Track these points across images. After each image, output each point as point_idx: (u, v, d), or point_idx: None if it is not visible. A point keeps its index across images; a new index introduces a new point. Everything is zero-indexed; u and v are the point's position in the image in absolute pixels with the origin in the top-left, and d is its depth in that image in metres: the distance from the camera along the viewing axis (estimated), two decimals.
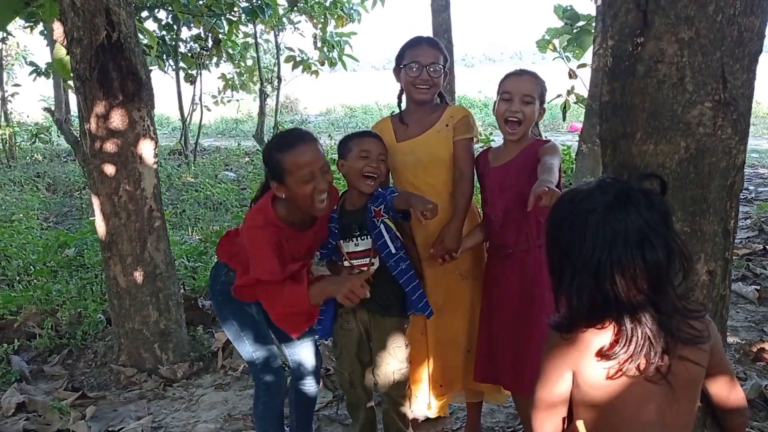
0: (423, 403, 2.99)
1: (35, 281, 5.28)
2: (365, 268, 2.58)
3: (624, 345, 1.32)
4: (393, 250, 2.58)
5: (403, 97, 2.89)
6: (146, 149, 3.77)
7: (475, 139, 2.79)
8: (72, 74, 3.75)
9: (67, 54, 3.76)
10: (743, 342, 3.86)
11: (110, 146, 3.66)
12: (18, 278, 5.43)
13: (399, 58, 2.80)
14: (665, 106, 1.53)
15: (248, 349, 2.58)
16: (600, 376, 1.37)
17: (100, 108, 3.60)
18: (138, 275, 3.86)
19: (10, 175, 10.30)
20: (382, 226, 2.58)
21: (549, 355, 1.45)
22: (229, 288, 2.49)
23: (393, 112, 2.98)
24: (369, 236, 2.59)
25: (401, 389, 2.78)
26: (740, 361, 3.70)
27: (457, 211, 2.72)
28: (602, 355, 1.35)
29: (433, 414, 3.03)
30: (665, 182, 1.41)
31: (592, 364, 1.37)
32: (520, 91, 2.53)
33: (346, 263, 2.63)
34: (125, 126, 3.67)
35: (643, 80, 1.55)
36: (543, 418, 1.49)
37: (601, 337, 1.36)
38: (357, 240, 2.61)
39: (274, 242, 2.35)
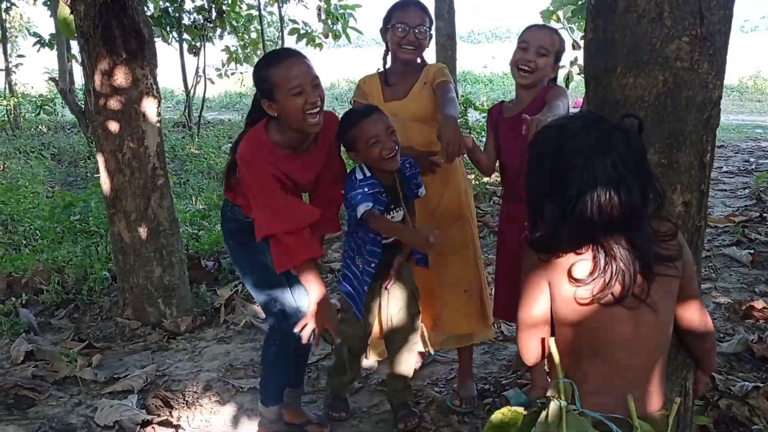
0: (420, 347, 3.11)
1: (42, 245, 5.38)
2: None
3: (598, 275, 1.39)
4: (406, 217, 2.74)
5: (388, 58, 2.97)
6: (149, 107, 3.84)
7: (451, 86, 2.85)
8: (76, 32, 3.81)
9: (71, 13, 3.82)
10: (732, 302, 3.94)
11: (114, 103, 3.73)
12: (25, 242, 5.54)
13: (387, 19, 2.88)
14: (644, 41, 1.59)
15: (263, 295, 2.62)
16: (575, 298, 1.43)
17: (103, 65, 3.67)
18: (142, 231, 3.95)
19: (15, 144, 10.38)
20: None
21: (527, 276, 1.52)
22: (236, 227, 2.55)
23: (378, 69, 3.06)
24: (401, 209, 2.70)
25: (410, 340, 2.91)
26: (729, 319, 3.79)
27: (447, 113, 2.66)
28: (577, 280, 1.41)
29: (429, 349, 3.18)
30: (642, 121, 1.48)
31: (568, 285, 1.43)
32: (537, 42, 2.60)
33: None
34: (128, 83, 3.73)
35: (624, 16, 1.61)
36: (526, 338, 1.55)
37: (577, 260, 1.42)
38: (393, 213, 2.70)
39: (274, 178, 2.36)
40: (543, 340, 1.56)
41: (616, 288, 1.39)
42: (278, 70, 2.30)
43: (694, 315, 1.57)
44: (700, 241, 1.77)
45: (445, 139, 2.49)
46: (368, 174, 2.60)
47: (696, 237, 1.74)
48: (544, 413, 1.44)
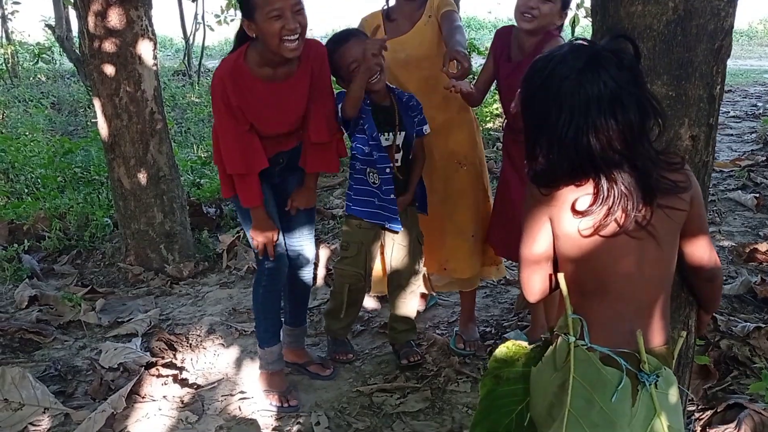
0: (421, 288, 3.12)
1: (43, 193, 5.36)
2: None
3: (601, 203, 1.35)
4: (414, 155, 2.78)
5: None
6: (145, 50, 3.76)
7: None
8: None
9: None
10: (736, 245, 3.92)
11: (109, 46, 3.66)
12: (26, 191, 5.52)
13: None
14: None
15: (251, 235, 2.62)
16: (578, 231, 1.40)
17: (96, 6, 3.58)
18: (142, 177, 3.92)
19: (14, 92, 10.26)
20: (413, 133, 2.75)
21: (528, 212, 1.48)
22: None
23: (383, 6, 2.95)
24: (395, 134, 2.69)
25: (412, 282, 2.92)
26: (733, 261, 3.78)
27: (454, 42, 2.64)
28: (579, 212, 1.38)
29: (431, 292, 3.22)
30: (636, 44, 1.41)
31: (570, 219, 1.40)
32: None
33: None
34: (123, 25, 3.65)
35: None
36: (528, 274, 1.52)
37: (578, 193, 1.39)
38: (387, 135, 2.69)
39: (230, 113, 2.38)
40: (548, 277, 1.54)
41: (619, 214, 1.35)
42: None
43: (702, 252, 1.53)
44: (707, 176, 1.73)
45: (454, 54, 2.49)
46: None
47: (703, 172, 1.69)
48: (551, 348, 1.42)
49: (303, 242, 2.80)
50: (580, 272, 1.42)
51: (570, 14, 8.20)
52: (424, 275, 3.03)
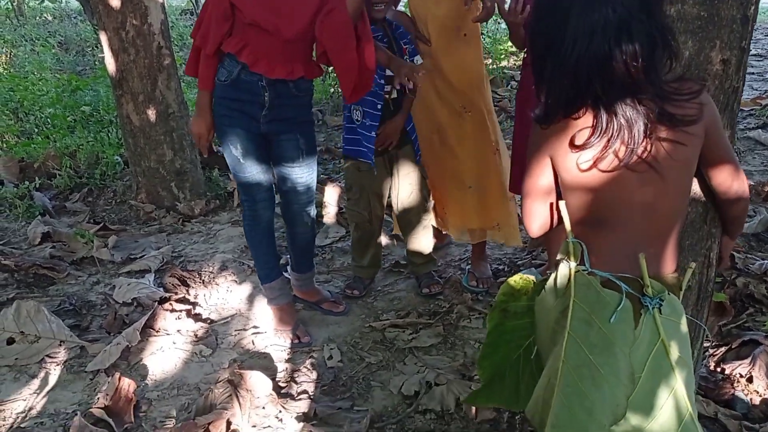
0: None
1: (53, 132, 5.31)
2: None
3: (599, 135, 1.30)
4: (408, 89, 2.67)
5: None
6: None
7: None
8: None
9: None
10: (755, 184, 3.84)
11: None
12: (36, 130, 5.47)
13: None
14: None
15: (232, 170, 2.58)
16: (577, 166, 1.36)
17: None
18: (151, 113, 3.87)
19: (20, 32, 10.12)
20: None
21: (531, 147, 1.46)
22: (217, 94, 2.46)
23: None
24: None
25: (423, 217, 2.91)
26: (752, 200, 3.71)
27: None
28: (578, 146, 1.33)
29: (452, 235, 3.16)
30: None
31: (570, 154, 1.36)
32: None
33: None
34: None
35: None
36: (530, 205, 1.51)
37: (577, 127, 1.34)
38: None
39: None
40: (550, 212, 1.51)
41: (619, 147, 1.30)
42: None
43: (724, 180, 1.48)
44: (737, 103, 1.66)
45: None
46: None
47: (732, 99, 1.62)
48: (552, 276, 1.40)
49: (302, 178, 2.64)
50: (583, 206, 1.40)
51: None
52: (433, 208, 3.02)
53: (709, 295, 1.81)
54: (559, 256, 1.39)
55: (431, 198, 2.93)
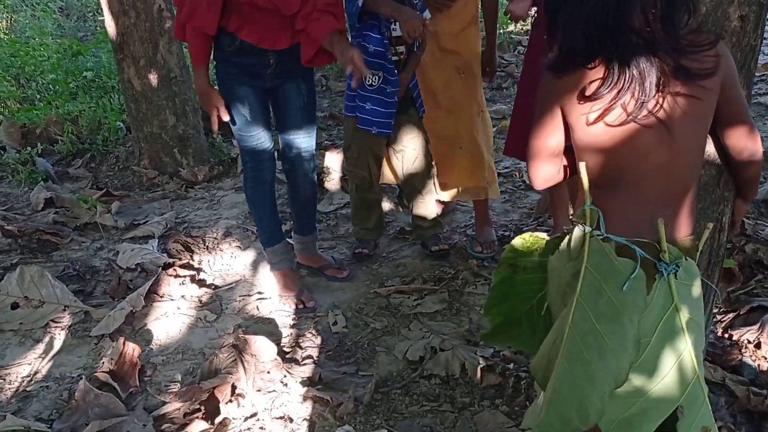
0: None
1: (54, 98, 5.26)
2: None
3: (609, 86, 1.27)
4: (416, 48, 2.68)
5: None
6: None
7: None
8: None
9: None
10: (765, 149, 3.78)
11: None
12: (39, 96, 5.42)
13: None
14: None
15: (237, 132, 2.54)
16: (586, 120, 1.33)
17: None
18: (152, 78, 3.81)
19: None
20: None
21: (540, 101, 1.42)
22: (220, 57, 2.43)
23: None
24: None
25: (427, 182, 2.87)
26: (762, 167, 3.65)
27: None
28: (587, 97, 1.30)
29: (443, 198, 3.09)
30: None
31: (579, 107, 1.33)
32: None
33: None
34: None
35: None
36: (537, 165, 1.48)
37: (589, 77, 1.31)
38: (395, 25, 2.61)
39: None
40: (556, 166, 1.49)
41: (628, 100, 1.27)
42: None
43: (739, 139, 1.44)
44: (754, 62, 1.60)
45: None
46: None
47: (750, 57, 1.57)
48: (567, 238, 1.37)
49: (303, 142, 2.65)
50: (594, 163, 1.37)
51: None
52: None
53: (720, 260, 1.78)
54: (574, 219, 1.36)
55: (433, 163, 2.90)
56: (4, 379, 2.34)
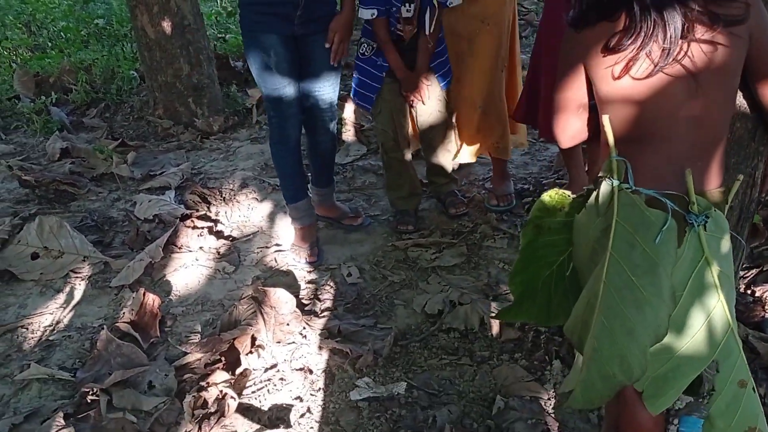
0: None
1: (66, 45, 5.20)
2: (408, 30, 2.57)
3: (632, 35, 1.22)
4: (428, 31, 2.56)
5: None
6: None
7: None
8: None
9: None
10: None
11: None
12: (50, 44, 5.36)
13: None
14: None
15: (260, 83, 2.49)
16: (611, 73, 1.29)
17: None
18: (166, 26, 3.74)
19: None
20: (435, 2, 2.53)
21: (563, 56, 1.39)
22: (250, 11, 2.36)
23: None
24: (415, 4, 2.51)
25: (445, 138, 2.83)
26: None
27: None
28: (611, 49, 1.26)
29: (463, 160, 3.02)
30: None
31: (603, 60, 1.29)
32: None
33: (399, 32, 2.56)
34: None
35: None
36: (563, 120, 1.45)
37: (612, 29, 1.27)
38: (408, 6, 2.51)
39: None
40: (582, 122, 1.46)
41: (654, 49, 1.22)
42: None
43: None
44: None
45: None
46: None
47: None
48: (594, 194, 1.33)
49: (324, 87, 2.60)
50: (621, 117, 1.33)
51: None
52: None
53: (751, 215, 1.75)
54: (601, 174, 1.33)
55: (453, 119, 2.83)
56: (27, 329, 2.37)
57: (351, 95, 2.73)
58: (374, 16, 2.48)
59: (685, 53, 1.23)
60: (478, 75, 2.76)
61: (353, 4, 2.50)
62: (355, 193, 3.23)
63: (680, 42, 1.22)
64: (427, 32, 2.55)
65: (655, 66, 1.23)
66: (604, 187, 1.31)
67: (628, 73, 1.26)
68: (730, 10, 1.22)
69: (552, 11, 2.53)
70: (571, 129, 1.46)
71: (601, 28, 1.28)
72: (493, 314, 2.28)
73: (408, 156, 2.86)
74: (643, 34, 1.21)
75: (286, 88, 2.46)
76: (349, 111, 3.86)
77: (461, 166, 3.29)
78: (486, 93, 2.78)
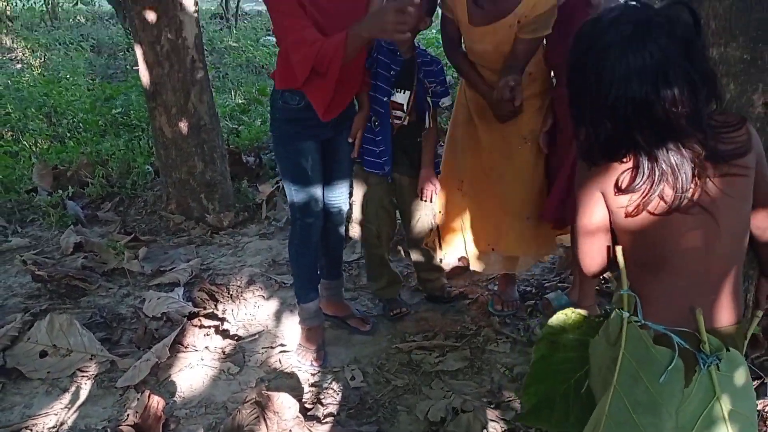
0: (457, 253, 3.02)
1: (85, 137, 5.41)
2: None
3: (641, 181, 1.26)
4: (426, 125, 2.70)
5: None
6: None
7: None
8: None
9: None
10: None
11: None
12: (69, 134, 5.57)
13: None
14: None
15: (291, 188, 2.58)
16: (625, 208, 1.32)
17: None
18: (183, 126, 3.91)
19: (54, 35, 10.30)
20: (429, 101, 2.66)
21: (580, 182, 1.41)
22: (284, 116, 2.46)
23: None
24: (409, 92, 2.62)
25: (433, 234, 2.92)
26: None
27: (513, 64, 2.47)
28: (622, 190, 1.30)
29: (472, 267, 3.02)
30: (696, 13, 1.29)
31: (617, 197, 1.32)
32: None
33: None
34: None
35: None
36: (587, 247, 1.45)
37: (621, 167, 1.30)
38: (402, 92, 2.64)
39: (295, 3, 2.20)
40: (606, 250, 1.46)
41: (665, 192, 1.27)
42: None
43: (765, 220, 1.43)
44: None
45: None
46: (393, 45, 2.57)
47: None
48: (605, 322, 1.36)
49: (342, 197, 2.77)
50: (636, 247, 1.35)
51: None
52: (436, 236, 2.97)
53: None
54: (613, 304, 1.36)
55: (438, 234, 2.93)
56: (31, 430, 2.38)
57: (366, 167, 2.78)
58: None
59: (701, 192, 1.27)
60: (522, 188, 2.71)
61: (369, 102, 2.64)
62: (360, 292, 3.28)
63: (692, 184, 1.26)
64: (427, 125, 2.69)
65: (670, 206, 1.27)
66: (614, 317, 1.33)
67: (643, 211, 1.30)
68: (735, 143, 1.28)
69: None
70: (598, 256, 1.45)
71: (610, 165, 1.32)
72: (495, 421, 2.29)
73: (388, 251, 3.01)
74: (653, 179, 1.25)
75: (317, 192, 2.58)
76: (356, 208, 3.96)
77: (464, 268, 3.35)
78: (531, 203, 2.74)
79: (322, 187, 2.63)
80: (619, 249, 1.36)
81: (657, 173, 1.25)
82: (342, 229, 2.88)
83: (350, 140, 2.63)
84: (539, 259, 3.05)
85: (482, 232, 2.85)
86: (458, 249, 2.99)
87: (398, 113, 2.66)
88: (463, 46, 2.66)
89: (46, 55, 8.92)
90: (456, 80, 4.31)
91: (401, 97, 2.64)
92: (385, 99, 2.61)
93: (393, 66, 2.58)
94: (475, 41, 2.54)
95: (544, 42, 2.54)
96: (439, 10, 2.64)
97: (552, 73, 2.66)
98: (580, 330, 1.42)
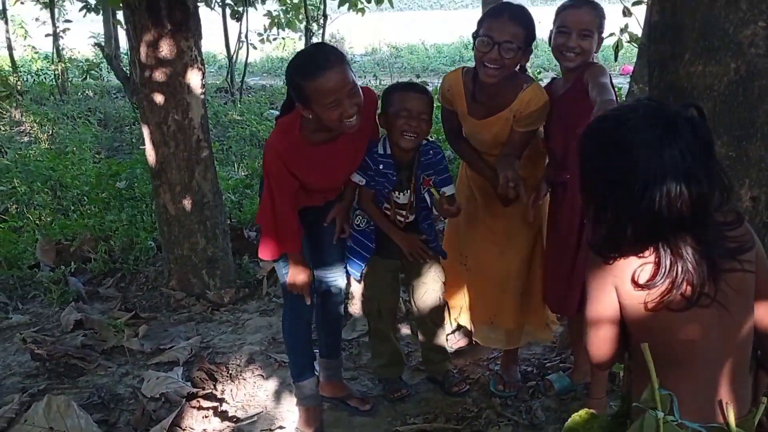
0: (463, 320, 3.08)
1: (89, 210, 5.48)
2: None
3: (663, 276, 1.29)
4: (429, 216, 2.82)
5: None
6: (194, 79, 3.82)
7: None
8: (121, 3, 3.80)
9: None
10: None
11: (159, 75, 3.73)
12: (73, 207, 5.64)
13: (478, 25, 2.52)
14: (717, 26, 1.49)
15: (283, 271, 2.64)
16: (644, 304, 1.34)
17: (149, 37, 3.65)
18: (186, 203, 3.98)
19: (63, 109, 10.55)
20: (427, 195, 2.75)
21: (592, 275, 1.43)
22: None
23: (465, 67, 2.74)
24: (408, 191, 2.71)
25: (439, 316, 2.92)
26: None
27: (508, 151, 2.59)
28: (641, 285, 1.32)
29: (475, 338, 3.08)
30: (704, 112, 1.36)
31: (634, 291, 1.34)
32: (578, 26, 2.42)
33: (387, 211, 2.74)
34: (173, 55, 3.72)
35: None
36: (598, 339, 1.46)
37: (639, 264, 1.33)
38: (403, 193, 2.72)
39: (283, 177, 2.40)
40: (617, 342, 1.47)
41: (686, 289, 1.30)
42: (314, 84, 2.22)
43: (765, 313, 1.46)
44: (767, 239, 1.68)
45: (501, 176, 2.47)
46: (388, 152, 2.64)
47: (763, 233, 1.65)
48: (636, 423, 1.33)
49: (336, 275, 2.80)
50: (654, 344, 1.35)
51: (613, 39, 8.13)
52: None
53: None
54: (642, 403, 1.34)
55: (444, 297, 2.94)
56: None
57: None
58: (362, 183, 2.67)
59: (716, 288, 1.31)
60: (520, 265, 2.80)
61: (354, 194, 2.74)
62: (360, 372, 3.26)
63: (710, 280, 1.30)
64: (434, 212, 2.79)
65: (687, 301, 1.30)
66: (648, 418, 1.31)
67: (664, 307, 1.32)
68: (741, 240, 1.33)
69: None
70: (608, 349, 1.46)
71: (629, 259, 1.34)
72: None
73: (394, 330, 3.01)
74: (674, 275, 1.29)
75: (314, 272, 2.64)
76: (356, 285, 3.99)
77: (465, 348, 3.35)
78: (527, 279, 2.83)
79: (311, 265, 2.65)
80: (645, 346, 1.35)
81: (679, 270, 1.29)
82: (341, 308, 2.90)
83: (325, 224, 2.69)
84: (541, 335, 3.05)
85: (483, 305, 2.92)
86: (463, 320, 3.07)
87: (402, 212, 2.73)
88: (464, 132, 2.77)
89: (54, 128, 9.12)
90: (456, 158, 4.40)
91: (403, 198, 2.71)
92: (385, 206, 2.72)
93: (390, 176, 2.67)
94: (474, 132, 2.70)
95: (541, 129, 2.66)
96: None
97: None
98: (594, 430, 1.42)
